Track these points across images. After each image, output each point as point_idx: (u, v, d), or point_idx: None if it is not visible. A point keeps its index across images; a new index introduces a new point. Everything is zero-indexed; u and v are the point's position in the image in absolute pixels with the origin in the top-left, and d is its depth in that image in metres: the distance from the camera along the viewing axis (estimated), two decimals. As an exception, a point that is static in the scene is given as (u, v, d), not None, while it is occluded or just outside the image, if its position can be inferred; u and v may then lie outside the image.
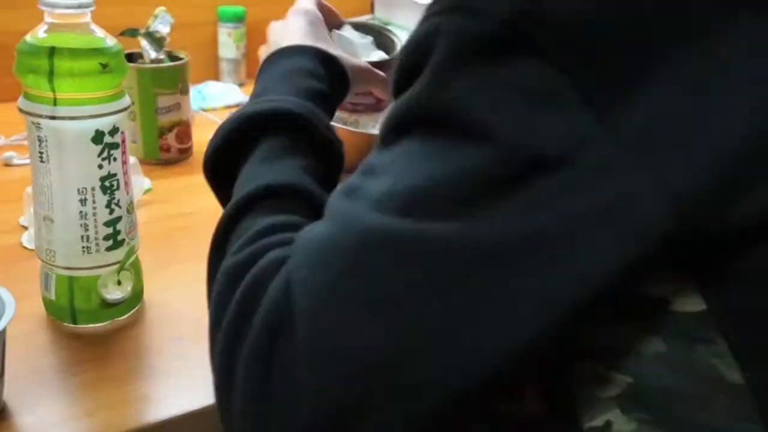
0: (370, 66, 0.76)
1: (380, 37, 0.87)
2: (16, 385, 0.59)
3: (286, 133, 0.60)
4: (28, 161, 0.98)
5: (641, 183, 0.38)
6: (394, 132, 0.45)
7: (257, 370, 0.45)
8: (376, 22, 0.94)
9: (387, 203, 0.43)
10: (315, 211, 0.53)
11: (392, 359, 0.42)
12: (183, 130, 1.06)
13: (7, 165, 1.02)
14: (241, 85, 1.42)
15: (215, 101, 1.31)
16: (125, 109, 0.63)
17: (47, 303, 0.68)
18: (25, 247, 0.80)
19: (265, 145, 0.59)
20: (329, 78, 0.69)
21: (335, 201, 0.46)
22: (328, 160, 0.61)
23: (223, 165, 0.60)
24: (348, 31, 0.84)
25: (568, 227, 0.40)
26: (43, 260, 0.65)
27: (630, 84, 0.38)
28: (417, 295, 0.42)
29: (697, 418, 0.44)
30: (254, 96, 0.65)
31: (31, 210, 0.72)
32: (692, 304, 0.43)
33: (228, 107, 1.31)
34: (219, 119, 1.23)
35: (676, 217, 0.39)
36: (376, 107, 0.86)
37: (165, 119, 1.03)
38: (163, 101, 1.03)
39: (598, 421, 0.48)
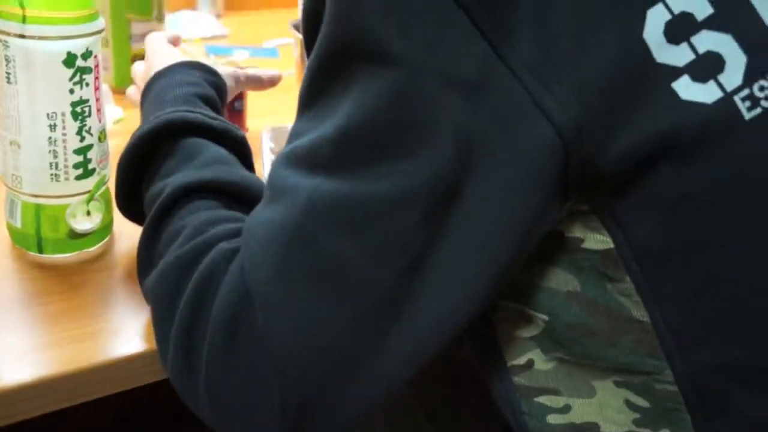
0: (239, 71, 0.80)
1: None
2: (-21, 314, 0.57)
3: (186, 135, 0.60)
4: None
5: (529, 114, 0.39)
6: (309, 90, 0.45)
7: (221, 356, 0.45)
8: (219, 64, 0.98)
9: (318, 162, 0.43)
10: (245, 202, 0.54)
11: (343, 339, 0.43)
12: (157, 60, 1.02)
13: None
14: (218, 16, 1.38)
15: (191, 32, 1.27)
16: (99, 31, 0.60)
17: (12, 230, 0.65)
18: (-10, 173, 0.77)
19: (174, 149, 0.59)
20: (208, 83, 0.68)
21: (274, 173, 0.46)
22: (234, 146, 0.61)
23: (136, 192, 0.60)
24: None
25: (480, 156, 0.40)
26: (8, 186, 0.63)
27: (517, 18, 0.39)
28: (362, 265, 0.42)
29: (606, 354, 0.46)
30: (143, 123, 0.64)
31: (-3, 134, 0.69)
32: (602, 242, 0.44)
33: (204, 39, 1.27)
34: (195, 51, 1.19)
35: (564, 145, 0.40)
36: None
37: (139, 47, 0.99)
38: (138, 28, 0.99)
39: (521, 360, 0.51)
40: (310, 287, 0.42)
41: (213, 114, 0.63)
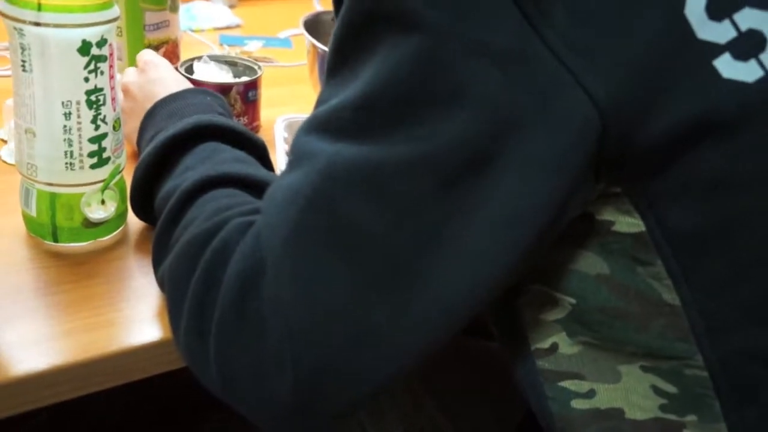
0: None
1: (236, 66, 0.92)
2: (-6, 301, 0.58)
3: (207, 139, 0.61)
4: (7, 73, 0.94)
5: (566, 88, 0.39)
6: (335, 56, 0.45)
7: (231, 322, 0.45)
8: (232, 54, 0.99)
9: (339, 127, 0.43)
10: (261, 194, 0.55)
11: (356, 306, 0.43)
12: (171, 50, 1.02)
13: (-14, 76, 0.98)
14: (231, 6, 1.38)
15: (205, 22, 1.27)
16: (114, 19, 0.60)
17: (27, 219, 0.65)
18: (5, 161, 0.78)
19: (193, 151, 0.61)
20: (218, 104, 0.70)
21: (296, 140, 0.46)
22: (255, 151, 0.63)
23: (150, 197, 0.62)
24: (207, 62, 0.90)
25: (512, 129, 0.39)
26: (24, 175, 0.63)
27: None
28: (378, 231, 0.41)
29: (635, 338, 0.46)
30: (150, 139, 0.65)
31: (11, 123, 0.70)
32: (633, 225, 0.43)
33: (217, 29, 1.27)
34: (208, 41, 1.19)
35: (602, 121, 0.39)
36: None
37: (153, 37, 0.99)
38: (152, 18, 0.99)
39: (545, 344, 0.50)
40: (325, 251, 0.42)
41: (234, 121, 0.64)
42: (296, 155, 0.46)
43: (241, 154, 0.61)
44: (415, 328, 0.43)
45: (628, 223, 0.44)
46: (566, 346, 0.49)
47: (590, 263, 0.46)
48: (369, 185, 0.41)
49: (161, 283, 0.56)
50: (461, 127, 0.40)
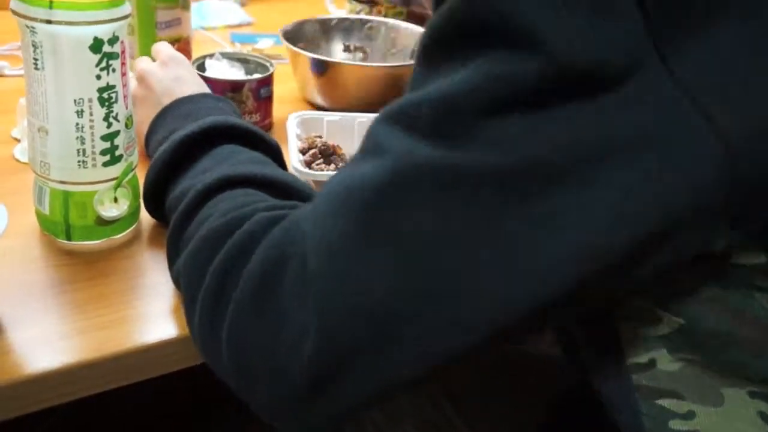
0: None
1: (248, 63, 0.92)
2: (9, 300, 0.57)
3: (222, 141, 0.62)
4: (20, 72, 0.95)
5: (693, 123, 0.36)
6: (429, 48, 0.42)
7: (248, 311, 0.44)
8: (243, 51, 0.99)
9: (417, 124, 0.41)
10: (280, 195, 0.56)
11: (395, 310, 0.41)
12: (183, 48, 1.02)
13: (-1, 75, 0.98)
14: (243, 4, 1.37)
15: (215, 20, 1.27)
16: (125, 17, 0.60)
17: (41, 217, 0.65)
18: (18, 160, 0.78)
19: (215, 152, 0.61)
20: (230, 108, 0.71)
21: (374, 125, 0.44)
22: (269, 151, 0.64)
23: (164, 196, 0.63)
24: (219, 59, 0.91)
25: (606, 153, 0.37)
26: (37, 173, 0.63)
27: (695, 21, 0.36)
28: (437, 237, 0.40)
29: (753, 363, 0.44)
30: (162, 139, 0.66)
31: (25, 122, 0.69)
32: (754, 257, 0.41)
33: (229, 27, 1.26)
34: (219, 39, 1.19)
35: (727, 161, 0.36)
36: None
37: (164, 34, 0.99)
38: (163, 15, 0.98)
39: (643, 358, 0.48)
40: (379, 250, 0.41)
41: (248, 123, 0.65)
42: (369, 143, 0.44)
43: (257, 155, 0.61)
44: (452, 339, 0.41)
45: (749, 256, 0.41)
46: (666, 362, 0.47)
47: (705, 288, 0.44)
48: (436, 190, 0.39)
49: (176, 279, 0.55)
50: (542, 144, 0.37)
